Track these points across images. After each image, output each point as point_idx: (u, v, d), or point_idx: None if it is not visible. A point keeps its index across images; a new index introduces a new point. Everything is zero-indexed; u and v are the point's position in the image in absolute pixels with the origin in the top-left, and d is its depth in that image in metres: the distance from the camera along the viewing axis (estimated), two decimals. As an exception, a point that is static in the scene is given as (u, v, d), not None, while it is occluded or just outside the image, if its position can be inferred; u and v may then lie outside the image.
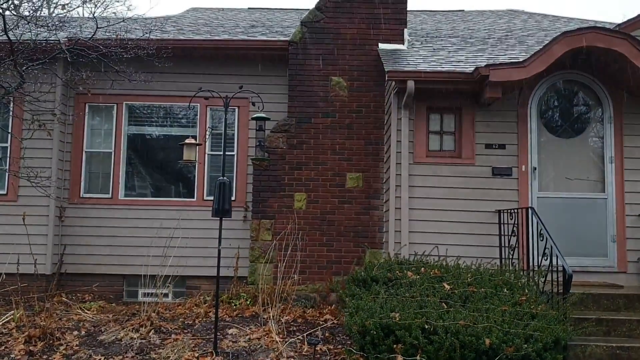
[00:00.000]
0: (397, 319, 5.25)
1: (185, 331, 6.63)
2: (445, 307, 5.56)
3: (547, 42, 7.44)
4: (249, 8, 13.39)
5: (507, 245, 7.28)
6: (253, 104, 6.98)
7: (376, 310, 5.41)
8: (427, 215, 7.67)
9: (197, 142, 7.22)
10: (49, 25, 8.45)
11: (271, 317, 6.65)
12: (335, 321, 6.95)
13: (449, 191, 7.75)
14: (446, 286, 5.94)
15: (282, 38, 9.37)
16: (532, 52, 7.31)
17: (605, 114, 7.84)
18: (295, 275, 7.81)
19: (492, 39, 9.88)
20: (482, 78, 7.27)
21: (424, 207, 7.70)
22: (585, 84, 7.93)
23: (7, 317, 6.97)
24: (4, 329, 6.75)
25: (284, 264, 7.77)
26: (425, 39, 9.85)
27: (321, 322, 6.96)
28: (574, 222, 7.63)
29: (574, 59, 7.61)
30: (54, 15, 12.49)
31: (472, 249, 7.46)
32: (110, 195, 9.33)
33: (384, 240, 8.44)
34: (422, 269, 6.46)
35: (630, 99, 7.78)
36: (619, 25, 8.08)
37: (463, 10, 13.36)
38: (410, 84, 7.44)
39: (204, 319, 7.14)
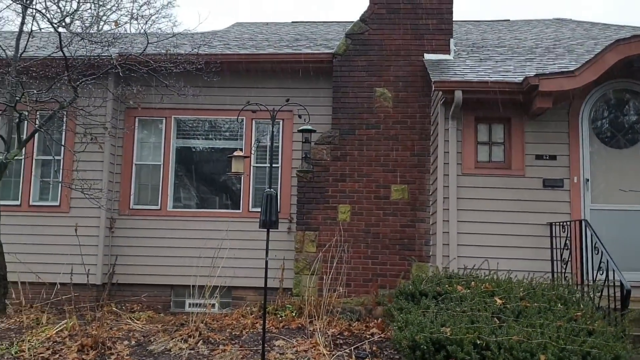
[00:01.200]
0: (449, 334, 5.14)
1: (233, 342, 6.66)
2: (498, 322, 5.42)
3: (597, 50, 7.28)
4: (292, 22, 13.52)
5: (559, 259, 7.09)
6: (299, 116, 7.02)
7: (426, 325, 5.32)
8: (477, 228, 7.54)
9: (244, 154, 7.30)
10: (102, 41, 8.71)
11: (317, 329, 6.62)
12: (382, 335, 6.86)
13: (499, 203, 7.60)
14: (498, 300, 5.80)
15: (326, 50, 9.42)
16: (583, 61, 7.15)
17: (662, 123, 7.59)
18: (341, 288, 7.77)
19: (539, 48, 9.69)
20: (532, 88, 7.13)
21: (473, 219, 7.58)
22: (638, 92, 7.70)
23: (60, 326, 7.14)
24: (58, 337, 6.91)
25: (330, 276, 7.74)
26: (472, 49, 9.74)
27: (368, 336, 6.88)
28: (629, 235, 7.37)
29: (626, 67, 7.40)
30: (102, 31, 12.89)
31: (523, 263, 7.28)
32: (158, 207, 9.51)
33: (431, 253, 8.33)
34: (472, 283, 6.32)
35: (688, 107, 7.51)
36: (674, 31, 7.83)
37: (509, 20, 13.17)
38: (458, 94, 7.36)
39: (251, 330, 7.16)
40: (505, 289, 6.03)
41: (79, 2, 13.35)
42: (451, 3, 8.98)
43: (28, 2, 8.59)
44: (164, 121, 9.69)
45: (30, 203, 9.49)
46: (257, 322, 7.44)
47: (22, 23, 8.60)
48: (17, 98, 7.94)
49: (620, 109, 7.80)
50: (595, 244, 6.26)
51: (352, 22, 9.36)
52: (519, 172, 7.65)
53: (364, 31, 9.10)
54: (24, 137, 8.30)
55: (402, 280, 8.00)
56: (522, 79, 7.32)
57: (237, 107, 6.95)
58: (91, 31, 10.54)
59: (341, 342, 6.65)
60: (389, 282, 8.43)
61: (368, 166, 8.85)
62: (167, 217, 9.44)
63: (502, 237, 7.48)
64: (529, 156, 7.66)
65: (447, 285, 6.31)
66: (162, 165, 9.61)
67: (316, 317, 7.02)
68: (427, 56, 8.83)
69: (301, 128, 6.86)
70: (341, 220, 8.75)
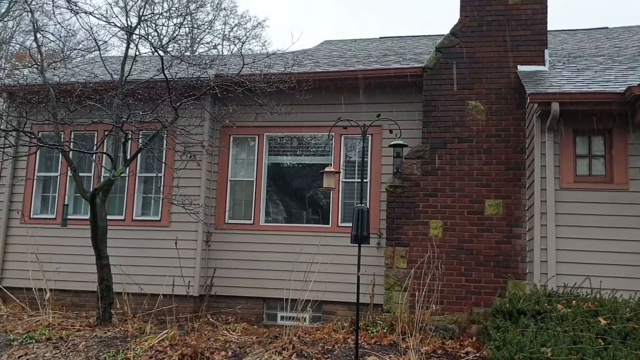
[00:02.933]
0: (549, 354, 4.95)
1: (326, 356, 6.73)
2: (603, 343, 5.16)
3: None
4: (380, 37, 13.62)
5: (670, 278, 6.63)
6: (391, 131, 7.05)
7: (525, 344, 5.15)
8: (577, 245, 7.21)
9: (335, 170, 7.43)
10: (200, 63, 9.17)
11: (410, 346, 6.56)
12: (477, 354, 6.69)
13: (600, 219, 7.23)
14: (602, 321, 5.52)
15: (415, 65, 9.41)
16: (695, 67, 6.70)
17: None
18: (433, 305, 7.64)
19: (643, 55, 9.19)
20: (636, 98, 6.78)
21: (572, 235, 7.26)
22: None
23: (162, 336, 7.51)
24: (160, 346, 7.27)
25: (422, 293, 7.65)
26: (567, 59, 9.39)
27: (462, 355, 6.74)
28: None
29: None
30: (200, 54, 13.56)
31: (629, 282, 6.87)
32: (252, 222, 9.82)
33: (527, 270, 8.04)
34: (574, 301, 6.05)
35: None
36: None
37: (607, 28, 12.57)
38: (555, 106, 7.12)
39: (343, 345, 7.20)
40: (610, 308, 5.73)
41: (175, 25, 14.12)
42: (545, 13, 8.73)
43: (132, 28, 9.20)
44: (256, 139, 10.03)
45: (134, 218, 10.08)
46: (348, 337, 7.47)
47: (127, 48, 9.21)
48: (124, 119, 8.49)
49: None
50: None
51: (442, 35, 9.31)
52: (622, 186, 7.25)
53: (455, 44, 9.01)
54: (129, 155, 8.86)
55: (497, 298, 7.77)
56: (624, 89, 6.97)
57: (328, 124, 7.07)
58: (187, 53, 11.11)
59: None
60: (484, 299, 8.21)
61: (460, 180, 8.71)
62: (260, 231, 9.72)
63: (605, 254, 7.11)
64: (633, 169, 7.26)
65: (546, 304, 6.08)
66: (254, 182, 9.93)
67: (409, 334, 6.96)
68: (521, 68, 8.60)
69: (392, 143, 6.88)
70: (433, 236, 8.64)
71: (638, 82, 6.99)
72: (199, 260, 9.56)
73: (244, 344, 7.39)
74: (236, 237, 9.77)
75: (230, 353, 7.03)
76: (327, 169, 6.86)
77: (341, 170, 9.41)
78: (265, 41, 36.35)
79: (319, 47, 12.76)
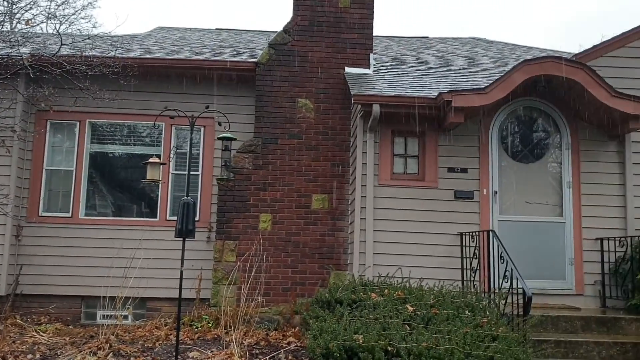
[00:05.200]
0: (361, 341, 5.23)
1: (145, 354, 6.48)
2: (409, 328, 5.57)
3: (507, 69, 7.66)
4: (216, 29, 13.42)
5: (469, 267, 7.40)
6: (219, 123, 6.98)
7: (340, 332, 5.39)
8: (392, 237, 7.74)
9: (161, 161, 7.16)
10: (12, 40, 8.29)
11: (233, 339, 6.55)
12: (298, 344, 6.89)
13: (413, 213, 7.84)
14: (409, 308, 5.97)
15: (249, 59, 9.41)
16: (494, 79, 7.52)
17: (563, 140, 8.09)
18: (259, 297, 7.72)
19: (455, 65, 10.12)
20: (445, 103, 7.42)
21: (389, 229, 7.78)
22: (544, 111, 8.19)
23: (-44, 340, 6.70)
24: (-46, 352, 6.48)
25: (248, 285, 7.69)
26: (391, 64, 10.03)
27: (284, 345, 6.89)
28: (533, 245, 7.80)
29: (533, 86, 7.86)
30: (16, 30, 12.28)
31: (435, 271, 7.54)
32: (70, 214, 9.13)
33: (348, 261, 8.46)
34: (386, 290, 6.48)
35: (586, 126, 8.06)
36: (575, 55, 8.36)
37: (427, 37, 13.67)
38: (376, 108, 7.55)
39: (165, 342, 6.99)
40: (417, 296, 6.22)
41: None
42: (372, 18, 9.22)
43: None
44: (77, 125, 9.34)
45: None
46: (171, 334, 7.27)
47: None
48: None
49: (527, 125, 8.25)
50: (501, 254, 6.58)
51: (277, 32, 9.41)
52: (432, 184, 7.93)
53: (287, 42, 9.17)
54: None
55: (320, 289, 8.07)
56: (436, 94, 7.61)
57: (157, 113, 6.81)
58: (2, 29, 10.00)
59: (257, 351, 6.62)
60: (308, 290, 8.48)
61: (290, 175, 8.90)
62: (79, 224, 9.08)
63: (416, 246, 7.72)
64: (442, 169, 7.97)
65: (362, 293, 6.43)
66: (74, 171, 9.25)
67: (233, 328, 6.94)
68: (348, 69, 9.01)
69: (221, 136, 6.82)
70: (262, 229, 8.73)
71: (448, 89, 7.67)
72: (7, 256, 8.68)
73: (55, 346, 6.85)
74: (52, 231, 9.02)
75: (38, 356, 6.47)
76: (151, 160, 6.57)
77: (170, 161, 9.11)
78: (96, 22, 34.08)
79: (151, 33, 12.24)
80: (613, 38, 8.33)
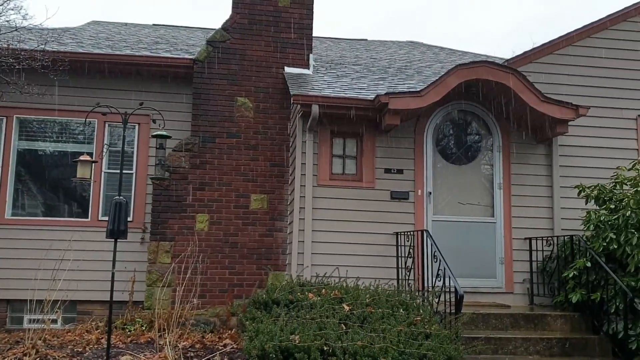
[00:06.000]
0: (297, 342, 5.23)
1: (75, 359, 6.25)
2: (344, 328, 5.62)
3: (442, 73, 7.84)
4: (153, 24, 13.10)
5: (404, 266, 7.53)
6: (154, 121, 6.80)
7: (276, 333, 5.37)
8: (330, 237, 7.78)
9: (93, 159, 6.94)
10: None
11: (167, 343, 6.41)
12: (235, 346, 6.82)
13: (351, 214, 7.90)
14: (346, 307, 6.01)
15: (187, 56, 9.24)
16: (429, 83, 7.68)
17: (495, 143, 8.37)
18: (195, 299, 7.59)
19: (392, 68, 10.29)
20: (382, 105, 7.53)
21: (327, 229, 7.81)
22: (477, 114, 8.44)
23: None
24: None
25: (183, 287, 7.54)
26: (330, 65, 10.09)
27: (220, 347, 6.81)
28: (466, 245, 8.02)
29: (467, 90, 8.09)
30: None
31: (372, 270, 7.63)
32: (-6, 214, 8.70)
33: (287, 262, 8.45)
34: (323, 290, 6.50)
35: (517, 129, 8.37)
36: (507, 60, 8.66)
37: (366, 40, 13.83)
38: (315, 108, 7.57)
39: (96, 346, 6.77)
40: (353, 295, 6.28)
41: None
42: (311, 19, 9.24)
43: None
44: (4, 121, 8.91)
45: None
46: (102, 338, 7.06)
47: None
48: None
49: (461, 128, 8.48)
50: (434, 253, 6.73)
51: (216, 29, 9.28)
52: (369, 185, 8.02)
53: (226, 39, 9.06)
54: None
55: (257, 290, 8.02)
56: (374, 96, 7.70)
57: (89, 109, 6.59)
58: None
59: (192, 354, 6.51)
60: (246, 292, 8.40)
61: (228, 175, 8.79)
62: (5, 225, 8.67)
63: (353, 245, 7.79)
64: (379, 170, 8.07)
65: (299, 294, 6.43)
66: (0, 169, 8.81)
67: (167, 331, 6.80)
68: (288, 69, 9.00)
69: (155, 133, 6.63)
70: (199, 230, 8.59)
71: (385, 91, 7.78)
72: None
73: (-24, 353, 6.50)
74: (-26, 232, 8.56)
75: (-43, 365, 6.13)
76: (81, 158, 6.35)
77: (102, 159, 8.83)
78: (27, 14, 32.61)
79: (85, 27, 11.82)
80: (542, 45, 8.69)
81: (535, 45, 8.81)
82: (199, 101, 8.88)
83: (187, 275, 7.72)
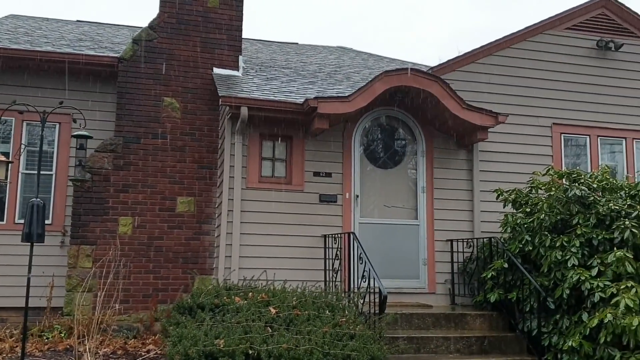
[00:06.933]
0: (222, 346, 5.19)
1: (-15, 370, 5.93)
2: (270, 331, 5.62)
3: (370, 79, 8.00)
4: (77, 20, 12.62)
5: (331, 268, 7.62)
6: (75, 120, 6.57)
7: (200, 338, 5.30)
8: (258, 240, 7.75)
9: (9, 159, 6.62)
10: None
11: (87, 349, 6.19)
12: (158, 351, 6.68)
13: (280, 216, 7.91)
14: (272, 310, 6.01)
15: (111, 54, 8.97)
16: (357, 88, 7.82)
17: (419, 148, 8.61)
18: (117, 305, 7.37)
19: (322, 73, 10.39)
20: (311, 109, 7.59)
21: (256, 232, 7.78)
22: (403, 120, 8.66)
23: None
24: None
25: (105, 292, 7.31)
26: (260, 68, 10.07)
27: (143, 353, 6.64)
28: (391, 247, 8.21)
29: (394, 96, 8.28)
30: None
31: (300, 273, 7.66)
32: None
33: (214, 266, 8.35)
34: (250, 293, 6.47)
35: (440, 135, 8.65)
36: (432, 68, 8.94)
37: (297, 43, 13.90)
38: (244, 111, 7.54)
39: (9, 355, 6.44)
40: (280, 298, 6.28)
41: None
42: (241, 20, 9.20)
43: None
44: None
45: None
46: (17, 346, 6.72)
47: None
48: None
49: (388, 133, 8.67)
50: (360, 255, 6.85)
51: (142, 27, 9.06)
52: (298, 188, 8.06)
53: (153, 39, 8.87)
54: None
55: (183, 295, 7.88)
56: (303, 100, 7.76)
57: (4, 108, 6.29)
58: None
59: (113, 361, 6.32)
60: (171, 296, 8.23)
61: (153, 177, 8.60)
62: None
63: (282, 248, 7.81)
64: (308, 173, 8.13)
65: (225, 297, 6.37)
66: None
67: (87, 337, 6.56)
68: (217, 70, 8.91)
69: (75, 133, 6.42)
70: (122, 234, 8.35)
71: (314, 96, 7.85)
72: None
73: None
74: None
75: None
76: (-5, 158, 6.05)
77: (19, 159, 8.42)
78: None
79: (2, 20, 11.22)
80: (465, 54, 9.03)
81: (459, 54, 9.14)
82: (124, 101, 8.64)
83: (109, 280, 7.50)
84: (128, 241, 8.31)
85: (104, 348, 6.62)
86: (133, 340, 7.31)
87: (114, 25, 12.51)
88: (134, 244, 8.33)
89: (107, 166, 8.41)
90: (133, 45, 8.78)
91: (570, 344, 6.08)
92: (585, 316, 6.23)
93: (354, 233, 7.38)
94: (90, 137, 6.51)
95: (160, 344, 6.94)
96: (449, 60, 8.98)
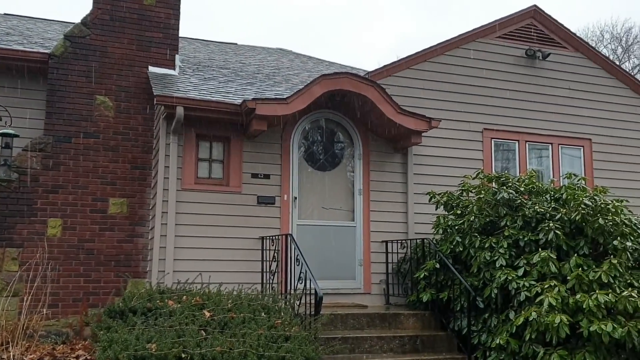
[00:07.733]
0: (154, 350, 5.09)
1: None
2: (204, 334, 5.56)
3: (309, 82, 8.05)
4: (5, 14, 12.07)
5: (268, 270, 7.61)
6: (0, 119, 6.29)
7: (131, 342, 5.19)
8: (194, 243, 7.66)
9: None
10: None
11: (12, 356, 5.94)
12: (88, 357, 6.47)
13: (216, 218, 7.84)
14: (206, 313, 5.95)
15: (42, 50, 8.63)
16: (295, 90, 7.85)
17: (356, 151, 8.74)
18: (45, 309, 7.10)
19: (261, 74, 10.37)
20: (249, 111, 7.56)
21: (191, 234, 7.68)
22: (341, 123, 8.76)
23: None
24: None
25: (32, 296, 7.02)
26: (198, 67, 9.94)
27: (73, 359, 6.42)
28: (329, 248, 8.29)
29: (332, 99, 8.38)
30: None
31: (237, 275, 7.62)
32: None
33: (148, 269, 8.17)
34: (184, 297, 6.38)
35: (376, 139, 8.80)
36: (369, 72, 9.09)
37: (236, 44, 13.80)
38: (180, 110, 7.43)
39: None
40: (215, 301, 6.22)
41: None
42: (178, 19, 9.05)
43: None
44: None
45: None
46: None
47: None
48: None
49: (327, 135, 8.75)
50: (297, 256, 6.88)
51: (75, 23, 8.77)
52: (236, 189, 8.02)
53: (86, 35, 8.60)
54: None
55: (114, 298, 7.67)
56: (241, 101, 7.72)
57: None
58: None
59: (40, 368, 6.08)
60: (102, 300, 7.99)
61: (85, 177, 8.33)
62: None
63: (218, 251, 7.74)
64: (246, 174, 8.10)
65: (158, 301, 6.25)
66: None
67: (12, 343, 6.29)
68: (152, 69, 8.73)
69: (1, 132, 6.14)
70: (51, 236, 8.05)
71: (252, 97, 7.83)
72: None
73: None
74: None
75: None
76: None
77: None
78: None
79: None
80: (401, 59, 9.24)
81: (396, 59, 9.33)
82: (54, 98, 8.33)
83: (37, 284, 7.22)
84: (57, 243, 8.02)
85: (30, 354, 6.35)
86: (62, 345, 7.06)
87: (45, 20, 12.04)
88: (63, 247, 8.05)
89: (36, 166, 8.09)
90: (65, 42, 8.49)
91: (497, 341, 6.33)
92: (512, 314, 6.50)
93: (291, 235, 7.41)
94: (17, 136, 6.25)
95: (90, 349, 6.74)
96: (385, 66, 9.17)
